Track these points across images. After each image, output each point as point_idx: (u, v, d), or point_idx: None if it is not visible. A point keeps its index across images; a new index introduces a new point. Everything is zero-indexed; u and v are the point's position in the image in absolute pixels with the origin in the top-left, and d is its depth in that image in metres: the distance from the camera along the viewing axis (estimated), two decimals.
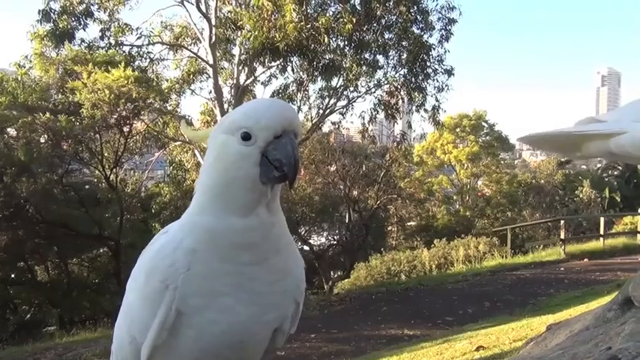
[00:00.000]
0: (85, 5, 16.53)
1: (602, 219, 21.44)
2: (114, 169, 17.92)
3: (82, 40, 17.14)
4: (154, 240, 1.65)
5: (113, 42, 17.64)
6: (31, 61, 17.34)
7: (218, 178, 1.50)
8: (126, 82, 15.48)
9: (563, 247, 18.84)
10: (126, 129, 17.25)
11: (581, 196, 30.79)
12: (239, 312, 1.53)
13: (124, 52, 17.95)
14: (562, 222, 20.91)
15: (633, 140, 1.87)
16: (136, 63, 18.02)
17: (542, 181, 34.06)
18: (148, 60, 18.73)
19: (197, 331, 1.53)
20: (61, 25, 16.10)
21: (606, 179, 34.98)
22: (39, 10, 15.94)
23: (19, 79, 17.50)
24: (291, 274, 1.65)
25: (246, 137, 1.45)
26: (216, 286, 1.51)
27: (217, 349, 1.56)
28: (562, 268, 16.68)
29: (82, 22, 16.67)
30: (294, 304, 1.69)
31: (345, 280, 20.56)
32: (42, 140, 16.79)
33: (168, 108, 18.70)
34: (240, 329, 1.55)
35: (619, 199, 32.04)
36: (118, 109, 16.09)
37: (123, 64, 16.22)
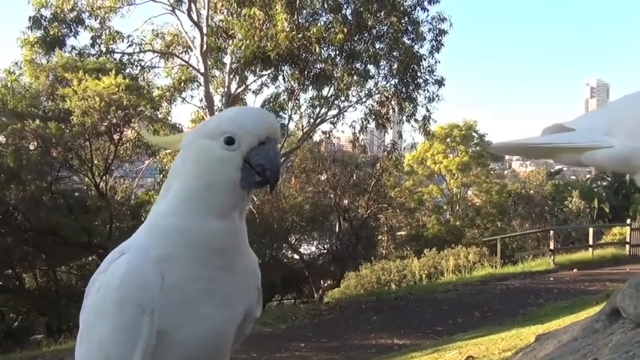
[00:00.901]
0: (76, 12, 16.54)
1: (591, 229, 21.55)
2: (104, 177, 17.83)
3: (73, 48, 17.17)
4: (108, 264, 1.58)
5: (104, 49, 17.65)
6: (21, 68, 17.28)
7: (197, 181, 1.49)
8: (116, 89, 15.44)
9: (552, 257, 18.93)
10: (116, 136, 17.19)
11: (570, 206, 30.92)
12: (215, 318, 1.53)
13: (114, 59, 17.94)
14: (551, 232, 21.03)
15: (609, 157, 1.85)
16: (127, 71, 18.02)
17: (532, 191, 34.20)
18: (139, 68, 18.75)
19: (178, 347, 1.50)
20: (51, 32, 16.09)
21: (595, 190, 35.17)
22: (30, 17, 15.94)
23: (9, 85, 17.40)
24: (251, 268, 1.67)
25: (230, 142, 1.47)
26: (191, 295, 1.50)
27: (195, 357, 1.55)
28: (551, 278, 16.74)
29: (73, 30, 16.69)
30: (257, 292, 1.70)
31: (335, 290, 20.53)
32: (31, 147, 16.68)
33: (159, 116, 18.68)
34: (216, 334, 1.56)
35: (608, 210, 32.19)
36: (109, 117, 16.03)
37: (114, 71, 16.19)
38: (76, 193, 19.10)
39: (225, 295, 1.54)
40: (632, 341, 1.65)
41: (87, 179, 18.26)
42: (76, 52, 17.19)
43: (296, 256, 21.58)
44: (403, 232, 29.66)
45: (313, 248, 23.69)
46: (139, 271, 1.48)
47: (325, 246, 23.96)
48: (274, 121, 1.59)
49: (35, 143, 16.54)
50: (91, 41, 17.35)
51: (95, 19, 17.20)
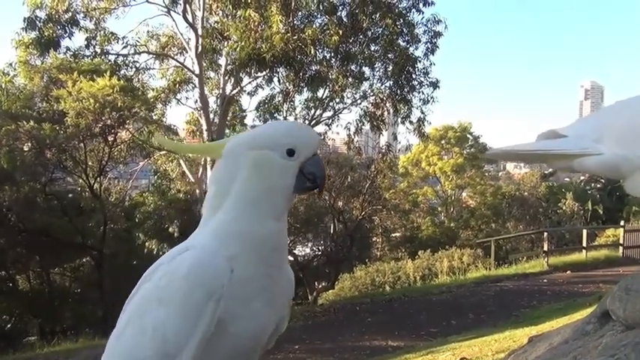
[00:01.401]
0: (70, 14, 16.51)
1: (584, 231, 21.59)
2: (98, 178, 17.81)
3: (68, 49, 17.13)
4: (172, 257, 1.66)
5: (99, 51, 17.62)
6: (15, 69, 17.26)
7: (262, 188, 1.63)
8: (111, 91, 15.45)
9: (546, 259, 18.96)
10: (110, 138, 17.18)
11: (564, 208, 30.99)
12: (263, 315, 1.64)
13: (109, 61, 17.95)
14: (545, 234, 21.05)
15: (598, 164, 1.87)
16: (122, 72, 18.03)
17: (526, 193, 34.27)
18: (134, 69, 18.75)
19: (230, 338, 1.59)
20: (46, 33, 16.06)
21: (589, 192, 35.24)
22: (24, 18, 15.90)
23: (3, 86, 17.39)
24: (289, 275, 1.79)
25: (291, 153, 1.64)
26: (250, 291, 1.61)
27: (241, 353, 1.64)
28: (545, 280, 16.78)
29: (68, 31, 16.64)
30: (288, 306, 1.80)
31: (330, 291, 20.55)
32: (25, 148, 16.66)
33: (154, 117, 18.67)
34: (261, 331, 1.67)
35: (601, 212, 32.28)
36: (103, 118, 16.03)
37: (108, 73, 16.21)
38: (70, 195, 19.10)
39: (273, 294, 1.67)
40: (619, 345, 1.66)
41: (81, 180, 18.25)
42: (71, 53, 17.16)
43: (290, 258, 21.59)
44: (397, 234, 29.71)
45: (308, 250, 23.73)
46: (210, 261, 1.59)
47: (320, 248, 24.00)
48: (319, 136, 1.86)
49: (29, 144, 16.52)
50: (85, 42, 17.32)
51: (90, 21, 17.17)
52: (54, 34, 16.25)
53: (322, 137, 18.74)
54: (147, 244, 21.66)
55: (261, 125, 2.27)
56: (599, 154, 1.85)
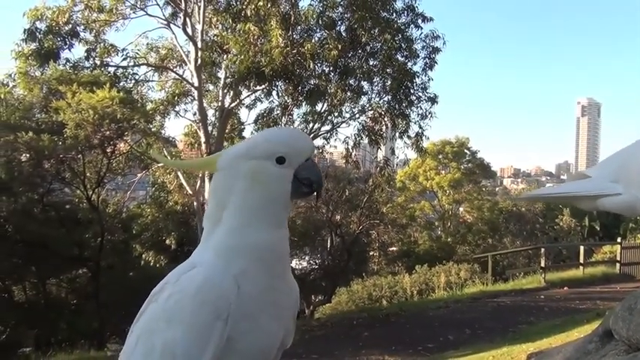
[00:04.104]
0: (71, 25, 16.59)
1: (581, 247, 21.60)
2: (96, 190, 17.79)
3: (67, 60, 17.18)
4: (178, 276, 1.67)
5: (98, 62, 17.67)
6: (14, 80, 17.28)
7: (259, 197, 1.64)
8: (110, 102, 15.45)
9: (543, 275, 18.94)
10: (109, 149, 17.18)
11: (561, 224, 31.01)
12: (270, 330, 1.65)
13: (109, 72, 17.98)
14: (542, 250, 21.05)
15: (616, 204, 1.94)
16: (121, 84, 18.05)
17: (523, 208, 34.26)
18: (133, 81, 18.79)
19: (240, 355, 1.60)
20: (46, 45, 16.12)
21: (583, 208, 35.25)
22: (24, 29, 15.96)
23: (2, 97, 17.38)
24: (294, 286, 1.78)
25: (281, 161, 1.65)
26: (257, 306, 1.61)
27: None
28: (542, 296, 16.75)
29: (68, 42, 16.70)
30: (293, 320, 1.80)
31: (327, 305, 20.48)
32: (23, 159, 16.64)
33: (153, 129, 18.69)
34: (269, 347, 1.67)
35: (598, 228, 32.29)
36: (102, 130, 16.02)
37: (108, 84, 16.22)
38: (68, 206, 19.02)
39: (279, 307, 1.68)
40: None
41: (79, 192, 18.21)
42: (71, 64, 17.21)
43: None
44: (395, 248, 29.66)
45: (305, 263, 23.66)
46: (217, 279, 1.59)
47: (317, 261, 23.94)
48: (311, 141, 1.89)
49: (27, 155, 16.48)
50: (85, 54, 17.38)
51: (90, 33, 17.25)
52: (54, 46, 16.31)
53: (320, 151, 18.80)
54: (144, 255, 21.62)
55: (255, 134, 2.33)
56: (617, 194, 1.91)
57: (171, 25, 17.81)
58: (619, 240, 22.22)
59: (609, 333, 1.99)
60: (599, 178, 2.00)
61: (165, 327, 1.59)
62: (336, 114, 18.25)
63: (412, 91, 17.19)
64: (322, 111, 18.14)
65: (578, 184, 2.07)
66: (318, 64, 16.26)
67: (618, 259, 20.79)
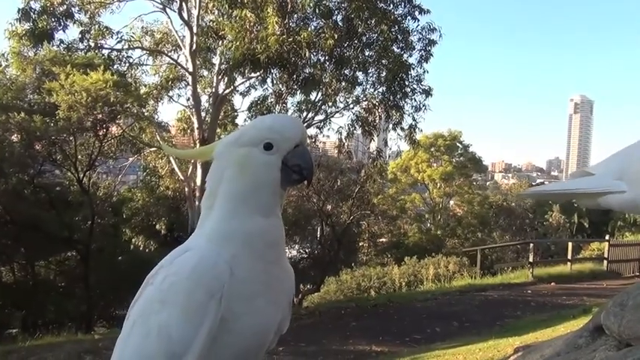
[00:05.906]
0: (65, 6, 16.39)
1: (570, 244, 21.75)
2: (87, 172, 17.73)
3: (61, 41, 16.97)
4: (172, 259, 1.69)
5: (93, 44, 17.49)
6: (7, 60, 17.15)
7: (246, 185, 1.65)
8: (104, 85, 15.39)
9: (531, 270, 19.04)
10: (101, 132, 17.11)
11: (550, 220, 31.23)
12: (266, 312, 1.66)
13: (103, 55, 17.84)
14: (531, 245, 21.14)
15: (620, 201, 1.95)
16: (115, 67, 17.91)
17: (513, 203, 34.45)
18: (127, 64, 18.63)
19: (233, 336, 1.61)
20: (40, 25, 15.93)
21: (575, 205, 35.44)
22: (18, 9, 15.76)
23: None
24: (290, 272, 1.80)
25: (268, 147, 1.64)
26: (252, 289, 1.63)
27: (247, 352, 1.66)
28: (529, 291, 16.85)
29: (62, 23, 16.51)
30: (289, 304, 1.82)
31: (315, 294, 20.54)
32: (15, 140, 16.56)
33: (146, 113, 18.61)
34: (265, 330, 1.69)
35: (587, 225, 32.52)
36: (95, 112, 15.96)
37: (102, 67, 16.13)
38: (58, 188, 18.98)
39: (275, 291, 1.69)
40: None
41: (70, 174, 18.15)
42: (65, 46, 17.01)
43: None
44: (384, 240, 29.75)
45: (294, 252, 23.70)
46: (211, 261, 1.61)
47: (306, 250, 24.01)
48: (304, 127, 1.81)
49: (19, 136, 16.41)
50: (79, 36, 17.19)
51: (85, 14, 17.06)
52: (48, 27, 16.12)
53: (313, 140, 18.80)
54: (133, 240, 21.61)
55: (249, 122, 2.33)
56: (621, 192, 1.92)
57: (167, 9, 17.67)
58: (607, 237, 22.36)
59: (600, 328, 2.02)
60: (602, 176, 2.02)
61: (160, 308, 1.62)
62: (330, 104, 18.23)
63: (407, 82, 17.17)
64: (316, 100, 18.13)
65: (582, 182, 2.09)
66: (314, 53, 16.19)
67: (606, 256, 20.93)
